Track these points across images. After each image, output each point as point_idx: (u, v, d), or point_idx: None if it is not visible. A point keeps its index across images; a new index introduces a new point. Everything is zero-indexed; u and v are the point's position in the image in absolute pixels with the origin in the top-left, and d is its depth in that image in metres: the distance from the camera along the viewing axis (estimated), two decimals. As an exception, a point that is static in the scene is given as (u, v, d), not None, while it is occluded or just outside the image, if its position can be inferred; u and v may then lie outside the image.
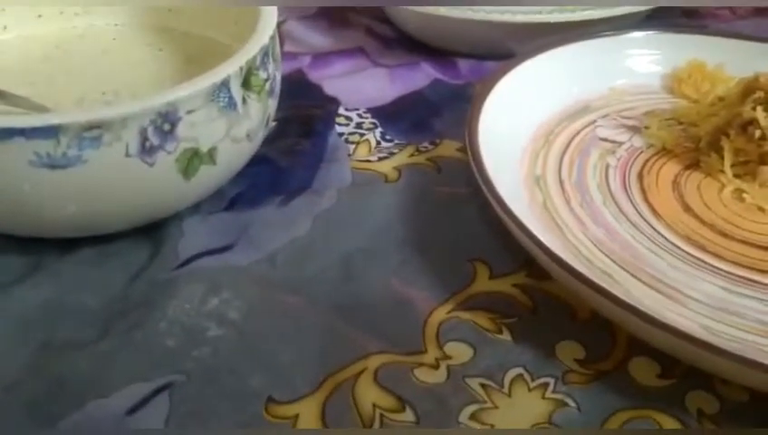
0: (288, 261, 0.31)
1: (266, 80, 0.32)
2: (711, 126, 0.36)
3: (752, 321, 0.28)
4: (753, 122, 0.34)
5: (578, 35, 0.41)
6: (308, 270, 0.30)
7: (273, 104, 0.34)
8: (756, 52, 0.42)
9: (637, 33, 0.43)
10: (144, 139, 0.27)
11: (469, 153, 0.32)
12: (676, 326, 0.24)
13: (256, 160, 0.35)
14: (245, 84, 0.30)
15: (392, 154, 0.37)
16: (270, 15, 0.33)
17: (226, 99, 0.29)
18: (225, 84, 0.29)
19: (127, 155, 0.27)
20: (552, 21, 0.43)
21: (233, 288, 0.29)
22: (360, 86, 0.43)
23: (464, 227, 0.33)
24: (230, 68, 0.29)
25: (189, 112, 0.28)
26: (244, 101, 0.30)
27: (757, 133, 0.34)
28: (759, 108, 0.34)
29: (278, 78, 0.34)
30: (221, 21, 0.39)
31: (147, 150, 0.27)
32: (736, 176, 0.35)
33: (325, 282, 0.30)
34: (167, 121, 0.28)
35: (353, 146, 0.38)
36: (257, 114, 0.32)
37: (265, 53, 0.32)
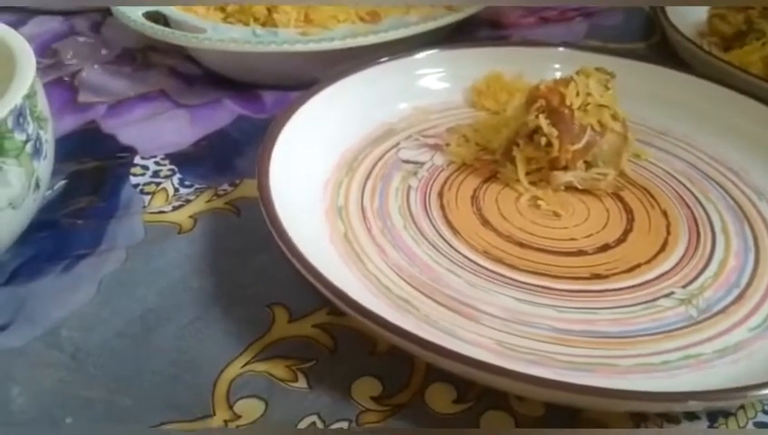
0: (69, 336, 0.28)
1: (26, 141, 0.29)
2: (503, 137, 0.37)
3: (545, 329, 0.28)
4: (537, 130, 0.35)
5: (372, 60, 0.41)
6: (90, 343, 0.28)
7: (44, 166, 0.31)
8: (550, 56, 0.44)
9: (426, 53, 0.42)
10: None
11: (259, 195, 0.31)
12: (463, 354, 0.24)
13: (40, 226, 0.32)
14: (-2, 149, 0.28)
15: (188, 201, 0.35)
16: (25, 73, 0.31)
17: (-25, 168, 0.27)
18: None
19: None
20: (351, 46, 0.42)
21: (4, 374, 0.27)
22: (159, 131, 0.41)
23: (263, 270, 0.31)
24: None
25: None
26: (-1, 167, 0.28)
27: (543, 141, 0.34)
28: (541, 116, 0.35)
29: (46, 137, 0.31)
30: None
31: None
32: (532, 184, 0.36)
33: (108, 353, 0.28)
34: None
35: (149, 197, 0.36)
36: (19, 180, 0.29)
37: (20, 113, 0.29)
